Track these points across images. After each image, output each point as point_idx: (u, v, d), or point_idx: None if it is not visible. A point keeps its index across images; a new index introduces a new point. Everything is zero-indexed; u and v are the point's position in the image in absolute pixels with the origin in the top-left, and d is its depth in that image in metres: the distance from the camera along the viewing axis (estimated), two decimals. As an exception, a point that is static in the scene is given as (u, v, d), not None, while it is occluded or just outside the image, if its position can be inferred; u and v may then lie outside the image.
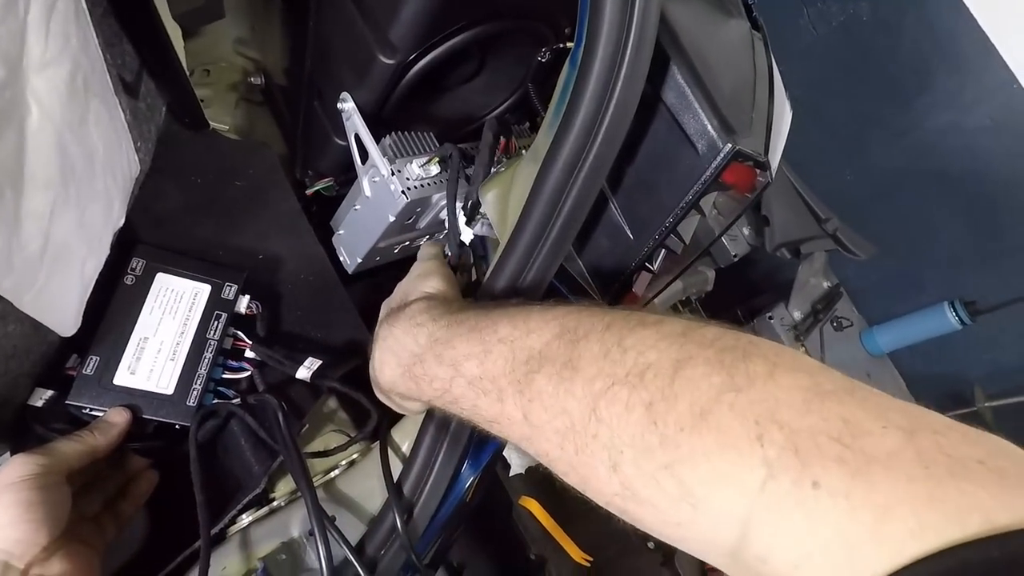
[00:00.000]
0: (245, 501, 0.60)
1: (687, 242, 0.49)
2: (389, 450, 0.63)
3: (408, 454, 0.61)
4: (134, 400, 0.55)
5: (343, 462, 0.67)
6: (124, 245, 0.62)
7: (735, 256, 1.63)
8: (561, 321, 0.34)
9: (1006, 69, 1.67)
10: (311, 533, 0.63)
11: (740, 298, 1.88)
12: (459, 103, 0.78)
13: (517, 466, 1.43)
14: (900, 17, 1.77)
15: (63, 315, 0.54)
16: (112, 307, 0.58)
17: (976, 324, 1.67)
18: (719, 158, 0.43)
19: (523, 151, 0.60)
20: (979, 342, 1.80)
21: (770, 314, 1.68)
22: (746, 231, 1.74)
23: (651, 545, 1.11)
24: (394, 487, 0.58)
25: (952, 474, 0.20)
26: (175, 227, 0.68)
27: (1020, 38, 1.65)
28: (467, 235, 0.59)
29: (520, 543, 1.38)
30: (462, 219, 0.57)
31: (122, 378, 0.56)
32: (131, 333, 0.57)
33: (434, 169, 0.64)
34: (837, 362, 1.70)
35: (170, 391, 0.57)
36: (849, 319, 1.83)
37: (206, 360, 0.59)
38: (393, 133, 0.66)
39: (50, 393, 0.54)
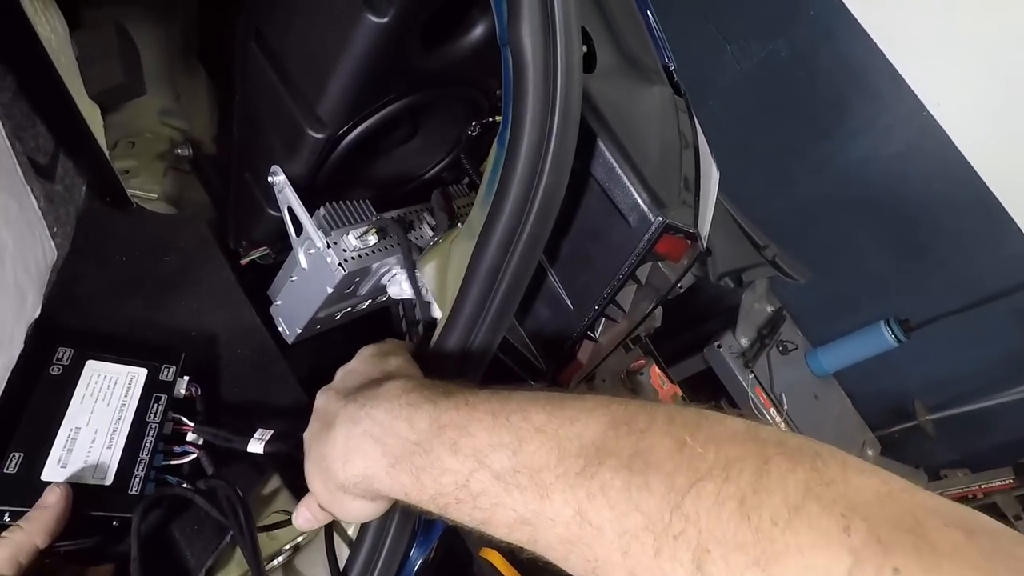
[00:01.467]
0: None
1: (626, 310, 0.49)
2: (334, 533, 0.61)
3: (354, 537, 0.58)
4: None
5: (287, 546, 0.64)
6: (45, 334, 0.58)
7: (681, 288, 1.68)
8: (608, 410, 0.31)
9: (915, 98, 1.79)
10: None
11: (688, 327, 1.92)
12: (395, 165, 0.77)
13: (478, 519, 1.40)
14: (814, 52, 1.88)
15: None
16: (35, 399, 0.54)
17: (911, 340, 1.76)
18: (650, 231, 0.43)
19: (459, 221, 0.60)
20: (915, 357, 1.89)
21: (719, 342, 1.72)
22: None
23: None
24: (339, 576, 0.55)
25: (1009, 568, 0.23)
26: (100, 309, 0.65)
27: (923, 69, 1.78)
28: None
29: (483, 600, 1.34)
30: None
31: (51, 472, 0.51)
32: (60, 424, 0.53)
33: (372, 239, 0.63)
34: (786, 385, 1.75)
35: (108, 481, 0.53)
36: (794, 342, 1.89)
37: (147, 445, 0.55)
38: (328, 204, 0.65)
39: None
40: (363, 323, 0.77)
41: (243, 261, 0.76)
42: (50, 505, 0.47)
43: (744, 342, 1.79)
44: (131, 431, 0.55)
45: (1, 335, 0.53)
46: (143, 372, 0.59)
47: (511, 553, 1.38)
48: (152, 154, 0.81)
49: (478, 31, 0.58)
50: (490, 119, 0.65)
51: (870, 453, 1.92)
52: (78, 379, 0.56)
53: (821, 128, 1.95)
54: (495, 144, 0.45)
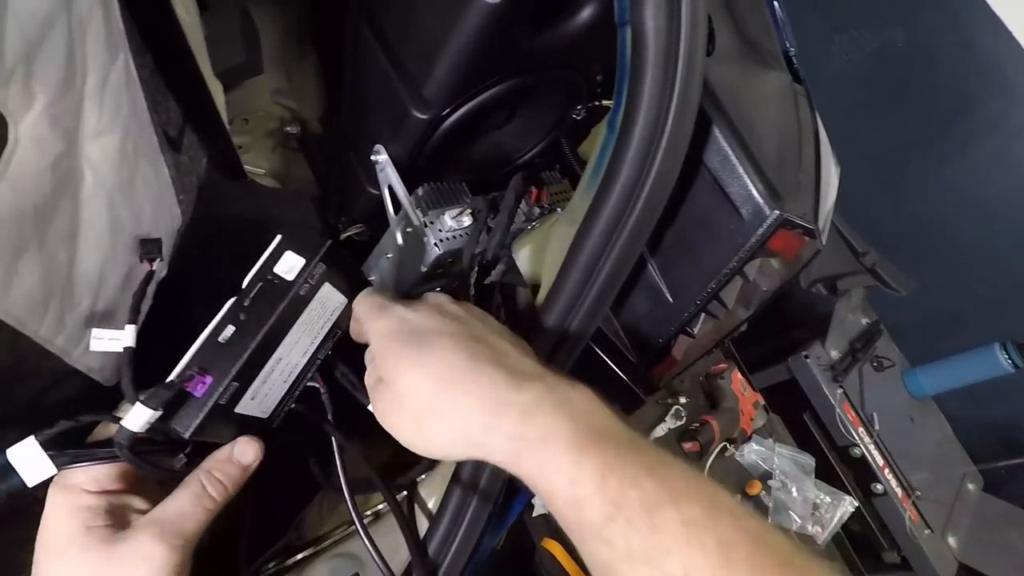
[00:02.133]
0: (273, 550, 0.60)
1: (729, 307, 0.47)
2: (415, 504, 0.62)
3: (434, 511, 0.59)
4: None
5: (368, 512, 0.66)
6: (170, 294, 0.62)
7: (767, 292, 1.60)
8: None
9: (1054, 95, 1.62)
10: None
11: (772, 334, 1.83)
12: (491, 149, 0.78)
13: (540, 506, 1.40)
14: (936, 41, 1.73)
15: (107, 367, 0.55)
16: (273, 323, 0.44)
17: (1030, 367, 1.60)
18: (765, 225, 0.41)
19: (557, 206, 0.59)
20: (1033, 386, 1.72)
21: (806, 352, 1.63)
22: (777, 264, 1.71)
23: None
24: (417, 547, 0.56)
25: None
26: (213, 272, 0.69)
27: (1066, 64, 1.60)
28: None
29: (543, 588, 1.34)
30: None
31: (244, 405, 0.43)
32: (273, 351, 0.45)
33: (467, 220, 0.64)
34: (879, 404, 1.64)
35: (266, 415, 0.46)
36: (890, 359, 1.77)
37: (303, 382, 0.49)
38: (426, 184, 0.66)
39: (149, 414, 0.40)
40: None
41: (342, 236, 0.79)
42: (248, 466, 0.42)
43: (834, 354, 1.69)
44: (305, 365, 0.48)
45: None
46: (344, 304, 0.50)
47: (571, 543, 1.37)
48: (263, 131, 0.85)
49: (587, 12, 0.57)
50: (596, 103, 0.64)
51: (971, 488, 1.76)
52: (311, 302, 0.46)
53: (939, 126, 1.79)
54: (604, 128, 0.44)
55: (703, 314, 0.49)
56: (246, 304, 0.40)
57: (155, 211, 0.57)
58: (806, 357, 1.65)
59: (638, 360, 0.51)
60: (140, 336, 0.52)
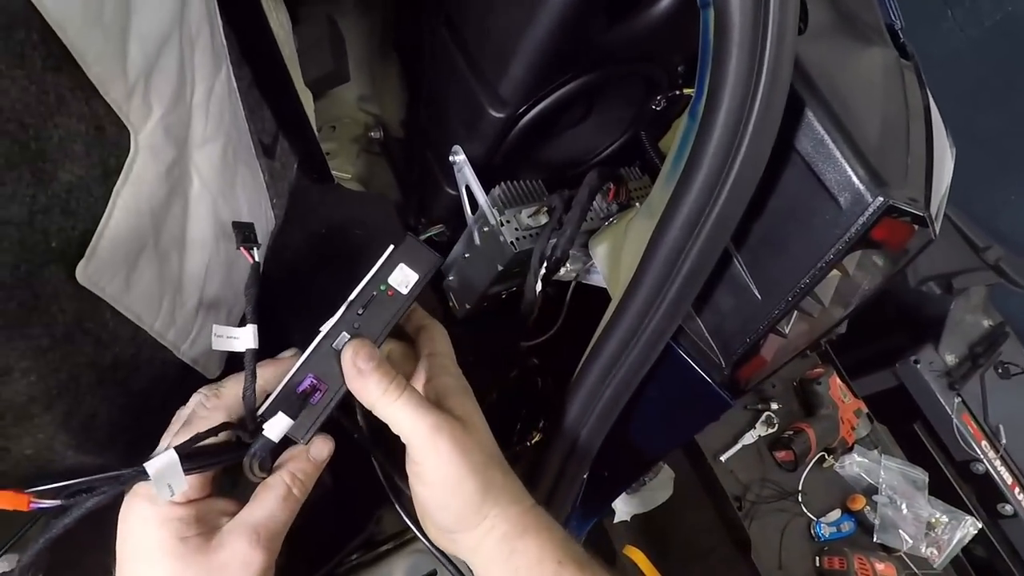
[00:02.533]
0: (355, 543, 0.62)
1: (826, 304, 0.44)
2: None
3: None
4: None
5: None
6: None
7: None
8: None
9: None
10: None
11: (877, 337, 1.69)
12: (567, 147, 0.77)
13: (621, 513, 1.37)
14: (1070, 15, 1.54)
15: (211, 361, 0.59)
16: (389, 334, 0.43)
17: None
18: (867, 214, 0.38)
19: (635, 202, 0.58)
20: None
21: (915, 357, 1.50)
22: (881, 257, 1.57)
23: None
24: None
25: None
26: (303, 273, 0.73)
27: None
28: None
29: (626, 597, 1.31)
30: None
31: None
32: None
33: (543, 219, 0.63)
34: (1005, 415, 1.48)
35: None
36: (1018, 364, 1.58)
37: None
38: (503, 183, 0.66)
39: (288, 423, 0.40)
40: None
41: (422, 237, 0.81)
42: (322, 463, 0.42)
43: (950, 359, 1.54)
44: None
45: (236, 291, 0.62)
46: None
47: (654, 550, 1.34)
48: (349, 137, 0.89)
49: (664, 2, 0.56)
50: (677, 92, 0.62)
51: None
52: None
53: (1075, 107, 1.59)
54: (685, 117, 0.42)
55: (795, 312, 0.45)
56: (360, 313, 0.40)
57: (252, 213, 0.61)
58: (916, 362, 1.51)
59: (724, 361, 0.48)
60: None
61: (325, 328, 0.40)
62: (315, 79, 0.71)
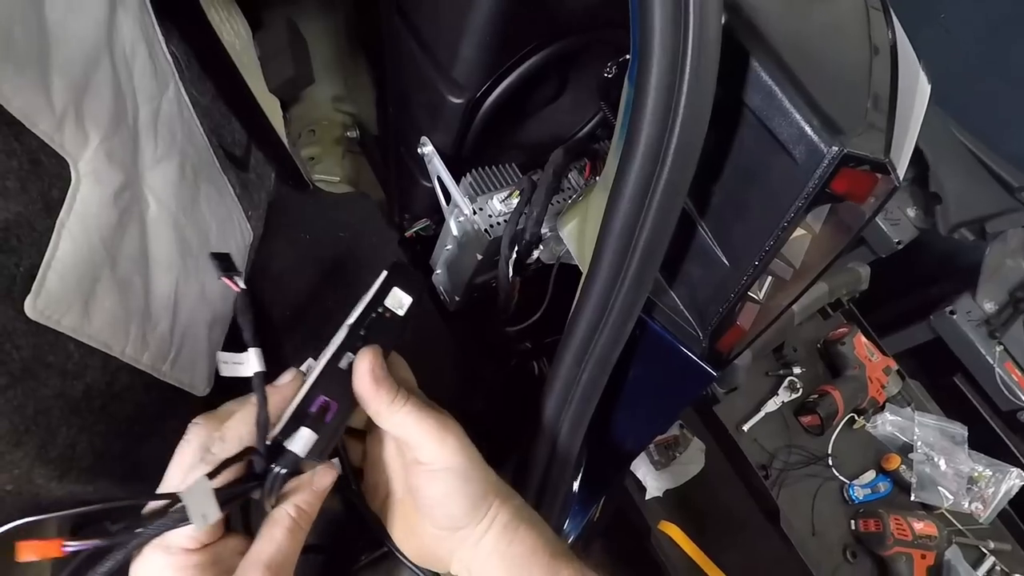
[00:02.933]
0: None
1: (796, 265, 0.41)
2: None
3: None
4: None
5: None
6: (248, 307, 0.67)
7: (899, 244, 1.41)
8: None
9: None
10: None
11: (907, 291, 1.62)
12: (545, 126, 0.75)
13: (653, 489, 1.35)
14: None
15: (196, 378, 0.60)
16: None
17: None
18: (823, 166, 0.35)
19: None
20: None
21: (951, 308, 1.43)
22: (911, 212, 1.49)
23: (811, 585, 0.99)
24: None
25: None
26: (291, 282, 0.73)
27: None
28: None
29: (660, 571, 1.30)
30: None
31: None
32: None
33: (515, 202, 0.62)
34: (1049, 360, 1.40)
35: None
36: (1062, 305, 1.50)
37: None
38: (473, 171, 0.65)
39: (313, 438, 0.40)
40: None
41: (407, 234, 0.80)
42: (326, 488, 0.41)
43: (988, 307, 1.46)
44: None
45: (214, 308, 0.62)
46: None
47: (690, 526, 1.31)
48: (331, 139, 0.89)
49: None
50: (626, 56, 0.59)
51: None
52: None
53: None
54: (625, 83, 0.40)
55: (768, 277, 0.43)
56: (362, 334, 0.40)
57: (222, 229, 0.61)
58: (952, 313, 1.44)
59: (701, 333, 0.46)
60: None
61: (329, 351, 0.41)
62: (279, 84, 0.71)
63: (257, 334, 0.44)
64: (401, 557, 0.45)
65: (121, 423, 0.50)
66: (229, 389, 0.47)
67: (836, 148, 0.34)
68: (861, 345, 1.15)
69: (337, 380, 0.40)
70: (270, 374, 0.49)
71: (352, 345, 0.40)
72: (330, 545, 0.59)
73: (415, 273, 0.41)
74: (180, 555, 0.36)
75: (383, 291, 0.41)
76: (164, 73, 0.53)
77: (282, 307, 0.71)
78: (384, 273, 0.41)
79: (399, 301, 0.41)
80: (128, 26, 0.47)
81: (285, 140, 0.70)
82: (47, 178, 0.40)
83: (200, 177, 0.57)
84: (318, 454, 0.39)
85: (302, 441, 0.39)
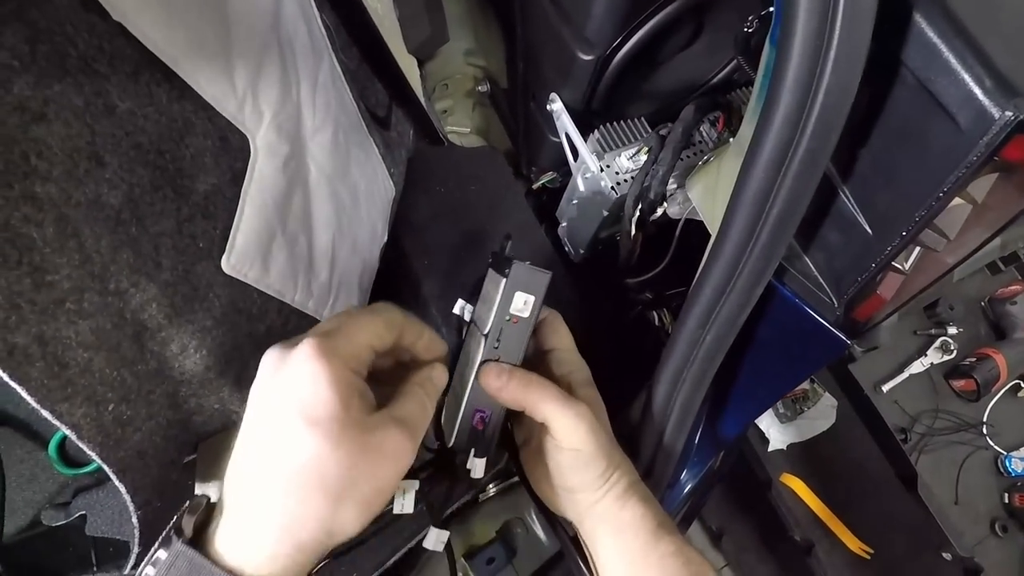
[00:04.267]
0: (491, 474, 0.69)
1: (952, 237, 0.38)
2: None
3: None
4: None
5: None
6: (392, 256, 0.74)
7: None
8: None
9: None
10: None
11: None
12: (677, 73, 0.72)
13: (777, 441, 1.32)
14: None
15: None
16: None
17: None
18: (992, 132, 0.32)
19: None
20: None
21: None
22: (1020, 185, 1.25)
23: (947, 556, 0.93)
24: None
25: None
26: (429, 234, 0.79)
27: None
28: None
29: (781, 523, 1.28)
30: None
31: None
32: None
33: (643, 159, 0.61)
34: None
35: None
36: None
37: None
38: (602, 126, 0.65)
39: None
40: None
41: (534, 186, 0.82)
42: (443, 385, 0.43)
43: None
44: None
45: (364, 259, 0.70)
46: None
47: (815, 481, 1.28)
48: (462, 92, 0.92)
49: None
50: (769, 9, 0.54)
51: None
52: None
53: None
54: (767, 44, 0.38)
55: (917, 247, 0.40)
56: (496, 346, 0.44)
57: (369, 188, 0.67)
58: None
59: (836, 301, 0.44)
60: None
61: (474, 368, 0.45)
62: (417, 45, 0.74)
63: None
64: (528, 492, 0.50)
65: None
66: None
67: (1010, 113, 0.31)
68: (1036, 305, 1.02)
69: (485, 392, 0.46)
70: (412, 311, 0.54)
71: (491, 355, 0.45)
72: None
73: (536, 272, 0.43)
74: (342, 369, 0.34)
75: (506, 300, 0.43)
76: (319, 47, 0.58)
77: (421, 255, 0.77)
78: (503, 282, 0.43)
79: (524, 303, 0.43)
80: (290, 8, 0.51)
81: (423, 99, 0.74)
82: (233, 152, 0.46)
83: (351, 141, 0.63)
84: (484, 451, 0.47)
85: (478, 467, 0.47)
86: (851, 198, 0.41)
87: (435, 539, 0.45)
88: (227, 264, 0.46)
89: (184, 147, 0.41)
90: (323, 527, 0.32)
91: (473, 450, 0.48)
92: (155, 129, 0.39)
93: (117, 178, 0.36)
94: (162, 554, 0.32)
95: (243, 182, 0.47)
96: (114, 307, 0.37)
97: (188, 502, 0.34)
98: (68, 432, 0.37)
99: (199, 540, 0.32)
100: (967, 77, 0.32)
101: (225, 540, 0.32)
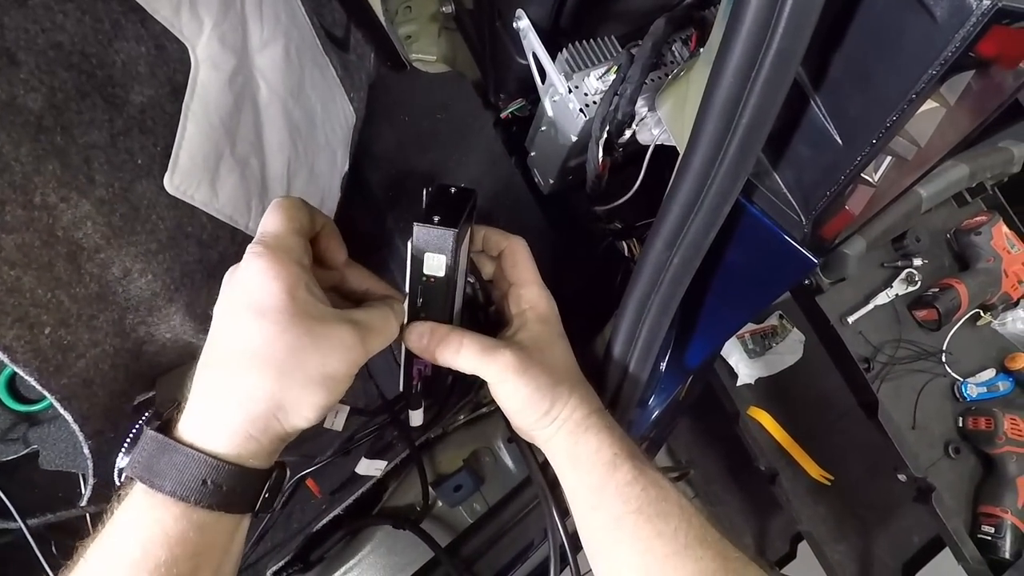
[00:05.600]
0: (462, 404, 0.69)
1: (922, 144, 0.37)
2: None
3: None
4: None
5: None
6: (352, 187, 0.71)
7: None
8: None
9: None
10: (510, 440, 0.70)
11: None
12: (650, -10, 0.69)
13: (745, 376, 1.35)
14: None
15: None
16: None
17: None
18: (969, 23, 0.30)
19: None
20: None
21: None
22: (996, 82, 1.24)
23: (902, 477, 0.97)
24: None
25: None
26: (393, 164, 0.76)
27: None
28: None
29: (747, 453, 1.33)
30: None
31: None
32: None
33: (613, 78, 0.59)
34: None
35: None
36: None
37: None
38: (570, 45, 0.62)
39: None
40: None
41: (503, 115, 0.79)
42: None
43: None
44: None
45: (323, 187, 0.67)
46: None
47: (780, 413, 1.32)
48: (426, 16, 0.87)
49: None
50: None
51: None
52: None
53: None
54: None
55: (886, 156, 0.39)
56: (420, 304, 0.44)
57: (327, 111, 0.64)
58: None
59: (804, 218, 0.44)
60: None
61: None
62: (374, -41, 0.69)
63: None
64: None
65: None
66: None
67: (988, 2, 0.29)
68: (1001, 235, 1.04)
69: None
70: (377, 243, 0.52)
71: (416, 315, 0.44)
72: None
73: (439, 230, 0.41)
74: (289, 265, 0.36)
75: (417, 263, 0.42)
76: (265, -47, 0.53)
77: (384, 186, 0.74)
78: (409, 246, 0.42)
79: (437, 263, 0.42)
80: (229, -96, 0.47)
81: (383, 20, 0.70)
82: (171, 63, 0.43)
83: (304, 59, 0.59)
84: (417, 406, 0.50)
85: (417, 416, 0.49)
86: (822, 107, 0.39)
87: (366, 467, 0.46)
88: (170, 183, 0.43)
89: (113, 52, 0.38)
90: (274, 401, 0.35)
91: (408, 401, 0.49)
92: (76, 28, 0.35)
93: (34, 79, 0.33)
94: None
95: (184, 96, 0.44)
96: (42, 222, 0.35)
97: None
98: (1, 356, 0.35)
99: (167, 428, 0.36)
100: (945, -34, 0.31)
101: (188, 424, 0.35)
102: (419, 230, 0.41)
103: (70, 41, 0.35)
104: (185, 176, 0.44)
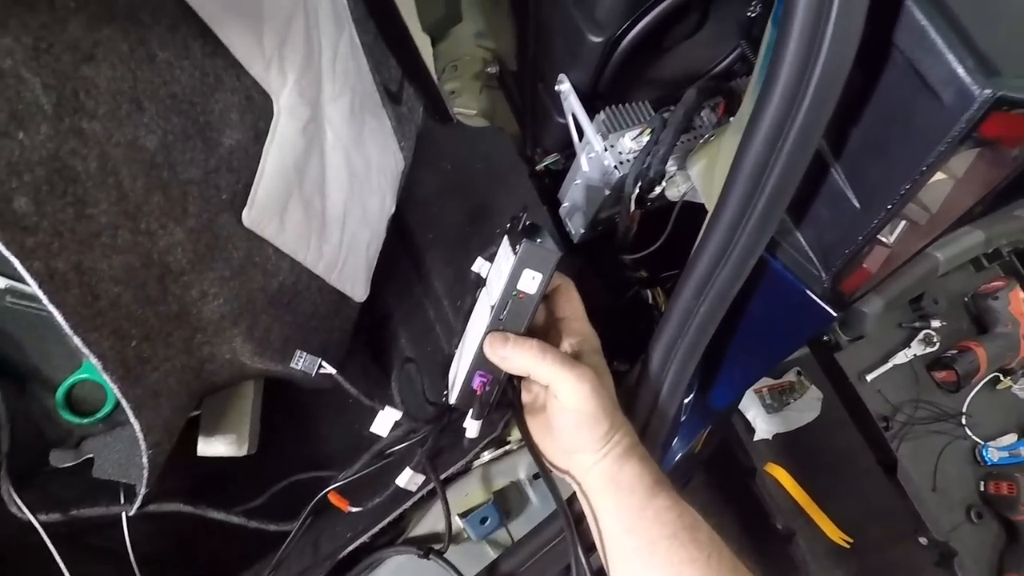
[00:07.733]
0: (486, 441, 0.71)
1: (933, 211, 0.41)
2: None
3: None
4: None
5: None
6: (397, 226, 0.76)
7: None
8: None
9: None
10: (536, 476, 0.71)
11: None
12: (682, 61, 0.74)
13: (763, 431, 1.35)
14: None
15: (356, 287, 0.70)
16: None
17: None
18: (972, 109, 0.34)
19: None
20: None
21: None
22: (998, 160, 1.28)
23: (923, 541, 0.96)
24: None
25: None
26: (432, 209, 0.81)
27: None
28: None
29: (764, 511, 1.32)
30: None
31: None
32: None
33: (646, 139, 0.64)
34: None
35: None
36: None
37: None
38: (608, 108, 0.67)
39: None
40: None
41: (538, 167, 0.84)
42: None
43: None
44: None
45: (372, 227, 0.72)
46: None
47: (798, 470, 1.31)
48: (471, 74, 0.94)
49: None
50: None
51: None
52: None
53: None
54: (769, 25, 0.41)
55: (901, 220, 0.43)
56: (502, 317, 0.46)
57: (380, 157, 0.69)
58: None
59: (824, 274, 0.47)
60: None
61: (480, 335, 0.48)
62: (431, 24, 0.76)
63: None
64: (532, 453, 0.52)
65: (301, 316, 0.61)
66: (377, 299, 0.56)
67: (988, 91, 0.33)
68: (1018, 301, 1.05)
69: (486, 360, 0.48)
70: (416, 282, 0.56)
71: (496, 327, 0.47)
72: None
73: (545, 250, 0.44)
74: None
75: (514, 276, 0.45)
76: (341, 18, 0.60)
77: (425, 228, 0.79)
78: (513, 259, 0.45)
79: (532, 280, 0.45)
80: (315, -23, 0.54)
81: (434, 76, 0.76)
82: (257, 111, 0.49)
83: (366, 111, 0.65)
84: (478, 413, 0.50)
85: (473, 427, 0.50)
86: (841, 174, 0.43)
87: (408, 478, 0.51)
88: (248, 217, 0.48)
89: (214, 101, 0.44)
90: None
91: (471, 411, 0.50)
92: (189, 81, 0.41)
93: (154, 123, 0.38)
94: None
95: (265, 141, 0.49)
96: (143, 246, 0.40)
97: None
98: (95, 362, 0.39)
99: None
100: (951, 57, 0.35)
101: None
102: (527, 246, 0.44)
103: (183, 91, 0.41)
104: (260, 211, 0.49)
